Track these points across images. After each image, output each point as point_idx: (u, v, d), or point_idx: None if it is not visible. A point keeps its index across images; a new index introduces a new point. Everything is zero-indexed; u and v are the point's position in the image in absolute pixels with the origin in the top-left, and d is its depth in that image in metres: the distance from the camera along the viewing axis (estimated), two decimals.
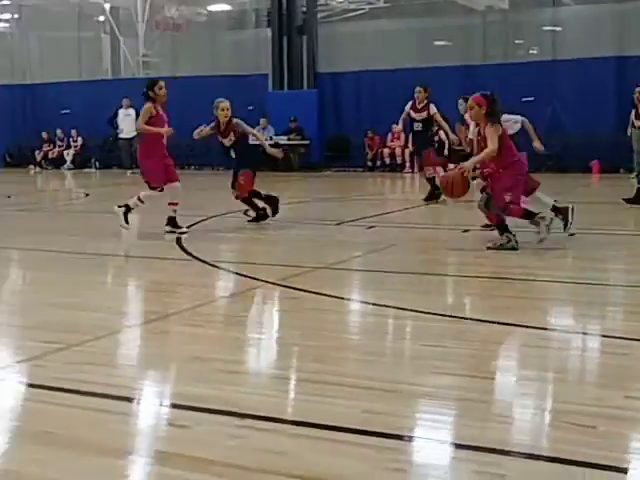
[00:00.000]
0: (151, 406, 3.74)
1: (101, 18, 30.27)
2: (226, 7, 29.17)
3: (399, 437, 3.18)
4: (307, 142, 20.96)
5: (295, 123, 20.84)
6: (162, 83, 9.33)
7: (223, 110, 9.52)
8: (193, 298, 5.90)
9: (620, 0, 24.26)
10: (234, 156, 9.66)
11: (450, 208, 11.39)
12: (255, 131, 9.88)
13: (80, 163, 23.50)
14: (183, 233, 9.00)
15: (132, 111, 19.37)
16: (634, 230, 9.90)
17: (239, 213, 10.43)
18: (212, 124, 9.64)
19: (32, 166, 23.52)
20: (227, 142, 9.62)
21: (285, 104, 21.04)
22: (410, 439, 3.22)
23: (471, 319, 5.21)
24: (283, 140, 20.86)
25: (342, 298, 5.87)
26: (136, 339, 4.98)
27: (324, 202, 13.72)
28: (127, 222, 9.04)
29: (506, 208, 7.65)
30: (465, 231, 9.03)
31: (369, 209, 11.78)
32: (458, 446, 3.11)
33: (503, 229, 7.76)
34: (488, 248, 7.67)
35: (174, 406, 3.61)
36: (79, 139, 23.72)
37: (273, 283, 6.28)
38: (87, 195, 13.37)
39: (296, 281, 6.32)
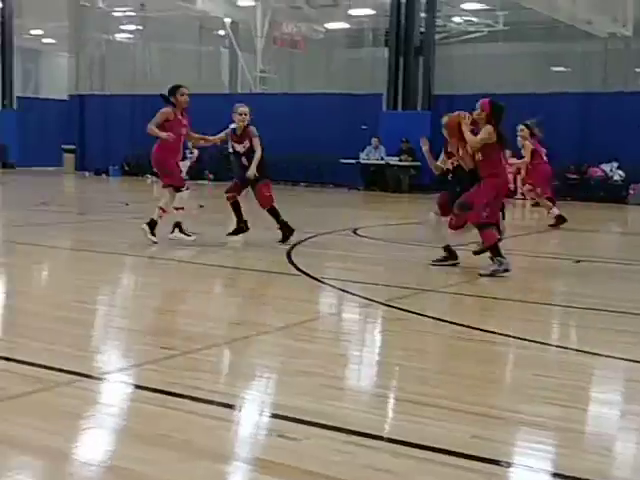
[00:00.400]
0: (259, 416, 3.83)
1: (221, 32, 31.16)
2: (344, 25, 29.53)
3: (500, 463, 3.19)
4: (418, 164, 20.91)
5: (407, 144, 20.83)
6: (184, 90, 9.26)
7: (241, 115, 9.39)
8: (301, 313, 5.99)
9: None
10: (246, 164, 9.45)
11: (560, 237, 11.15)
12: (257, 145, 9.40)
13: (195, 174, 24.14)
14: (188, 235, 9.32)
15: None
16: None
17: (348, 231, 10.50)
18: (228, 130, 9.58)
19: (149, 175, 24.32)
20: (241, 148, 9.47)
21: (398, 124, 21.06)
22: (511, 465, 3.23)
23: (579, 350, 5.13)
24: (394, 161, 20.89)
25: (447, 321, 5.83)
26: (245, 350, 5.08)
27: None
28: (154, 235, 9.19)
29: (481, 226, 7.57)
30: (577, 262, 8.85)
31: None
32: (558, 475, 3.11)
33: (494, 253, 7.61)
34: (480, 275, 7.57)
35: (282, 417, 3.69)
36: (195, 151, 24.38)
37: (379, 302, 6.32)
38: (201, 206, 13.74)
39: (402, 302, 6.32)
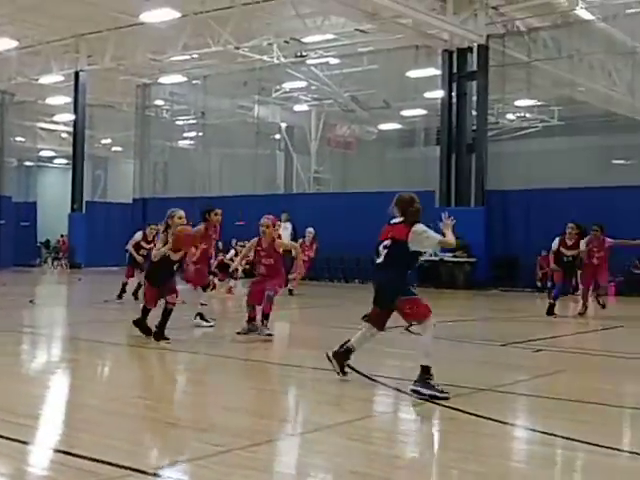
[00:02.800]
0: None
1: (277, 136, 31.85)
2: (396, 126, 29.90)
3: None
4: (473, 260, 20.59)
5: (463, 240, 20.55)
6: (218, 210, 10.50)
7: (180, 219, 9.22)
8: (351, 411, 5.84)
9: None
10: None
11: (627, 334, 10.65)
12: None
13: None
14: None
15: (289, 225, 19.66)
16: None
17: (400, 329, 10.16)
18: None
19: None
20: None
21: None
22: None
23: (636, 454, 4.78)
24: (448, 257, 20.60)
25: (504, 422, 5.52)
26: (294, 448, 4.98)
27: (490, 321, 13.26)
28: (207, 320, 10.57)
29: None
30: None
31: (537, 331, 11.26)
32: None
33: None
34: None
35: None
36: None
37: (433, 402, 6.01)
38: None
39: (457, 402, 6.04)
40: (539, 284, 19.88)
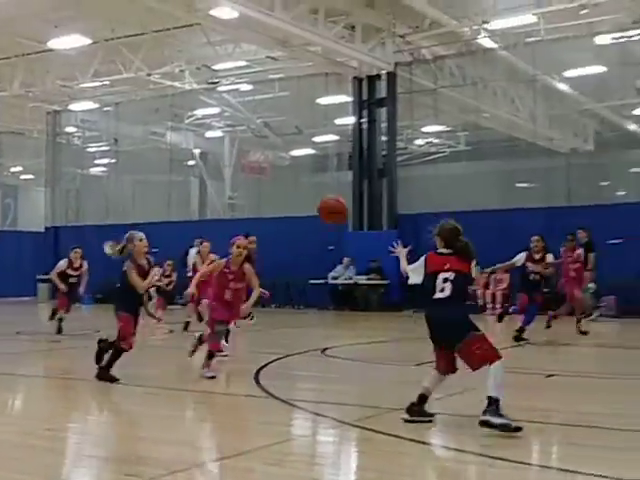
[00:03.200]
0: None
1: (190, 162, 31.75)
2: (309, 152, 30.23)
3: None
4: (387, 282, 20.97)
5: (376, 263, 20.96)
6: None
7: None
8: (269, 436, 5.81)
9: None
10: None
11: (536, 352, 11.02)
12: None
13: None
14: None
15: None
16: None
17: (317, 351, 10.32)
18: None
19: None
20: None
21: (365, 244, 21.29)
22: None
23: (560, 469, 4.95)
24: (362, 280, 20.94)
25: (419, 441, 5.64)
26: (212, 475, 4.95)
27: (403, 342, 13.51)
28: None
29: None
30: (549, 376, 8.70)
31: None
32: None
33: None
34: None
35: None
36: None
37: (349, 424, 6.13)
38: (171, 332, 13.56)
39: (373, 422, 6.15)
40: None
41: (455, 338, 6.11)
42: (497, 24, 20.01)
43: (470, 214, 20.39)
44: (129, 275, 8.42)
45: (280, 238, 22.06)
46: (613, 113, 25.90)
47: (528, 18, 19.84)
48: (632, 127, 23.99)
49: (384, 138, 22.41)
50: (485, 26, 19.94)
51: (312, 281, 21.46)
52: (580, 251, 13.92)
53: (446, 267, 6.16)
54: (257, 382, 8.24)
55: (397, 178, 22.17)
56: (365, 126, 22.49)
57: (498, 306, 19.45)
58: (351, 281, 21.22)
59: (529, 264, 12.43)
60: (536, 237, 12.48)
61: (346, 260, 21.51)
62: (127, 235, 8.74)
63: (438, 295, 6.11)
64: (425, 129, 26.73)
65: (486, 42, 21.00)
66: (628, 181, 21.86)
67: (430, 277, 6.20)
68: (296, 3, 18.44)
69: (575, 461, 5.04)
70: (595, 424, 6.16)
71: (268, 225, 22.79)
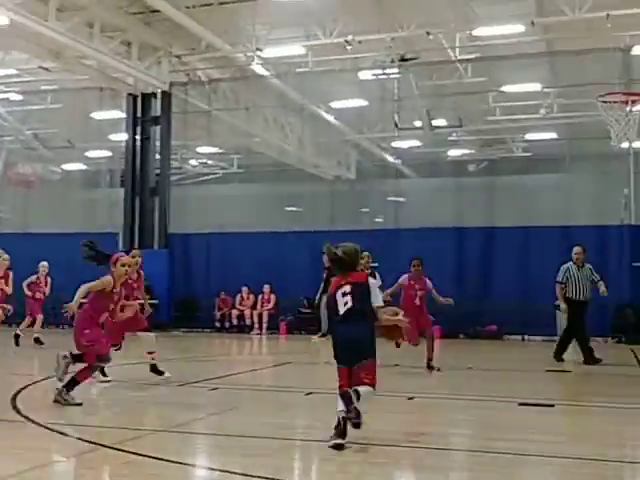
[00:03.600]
0: None
1: None
2: (81, 167, 29.44)
3: None
4: (156, 301, 20.85)
5: (146, 282, 20.73)
6: None
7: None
8: (22, 462, 5.62)
9: (457, 175, 26.44)
10: None
11: (294, 369, 11.46)
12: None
13: None
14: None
15: None
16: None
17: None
18: None
19: None
20: None
21: None
22: None
23: None
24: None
25: (180, 463, 5.68)
26: None
27: (169, 362, 13.52)
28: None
29: None
30: (308, 394, 9.14)
31: (215, 370, 11.74)
32: None
33: None
34: None
35: None
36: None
37: (109, 447, 6.08)
38: None
39: (135, 444, 6.16)
40: (218, 324, 20.71)
41: (361, 356, 6.24)
42: (269, 52, 20.71)
43: (241, 236, 20.92)
44: None
45: (50, 255, 21.26)
46: (373, 145, 27.59)
47: (298, 49, 20.75)
48: (390, 159, 25.63)
49: (158, 156, 22.36)
50: (258, 53, 20.56)
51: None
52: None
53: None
54: (13, 406, 7.98)
55: (170, 197, 22.17)
56: (139, 143, 22.33)
57: (265, 325, 20.01)
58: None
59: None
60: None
61: None
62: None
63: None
64: (199, 150, 26.96)
65: (259, 69, 21.63)
66: (386, 208, 23.32)
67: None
68: (71, 15, 18.00)
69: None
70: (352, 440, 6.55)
71: (35, 241, 21.91)
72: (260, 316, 20.16)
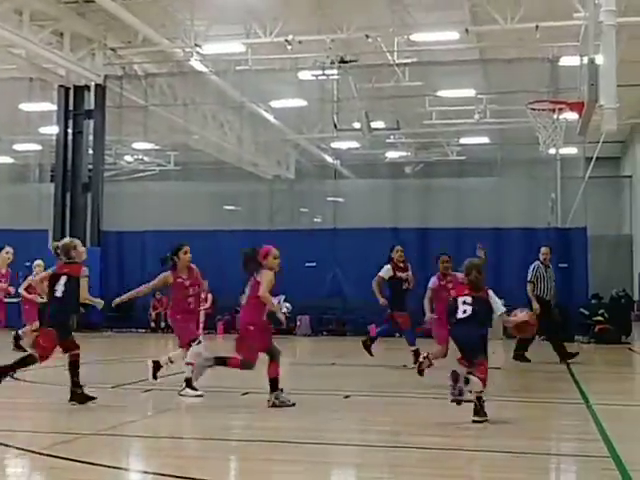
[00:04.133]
0: None
1: None
2: (8, 160, 28.62)
3: None
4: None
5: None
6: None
7: None
8: None
9: (394, 176, 26.61)
10: None
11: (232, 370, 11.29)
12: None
13: None
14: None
15: None
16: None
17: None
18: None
19: None
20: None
21: None
22: None
23: None
24: None
25: (114, 467, 5.53)
26: None
27: (102, 364, 13.22)
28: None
29: None
30: (244, 394, 8.97)
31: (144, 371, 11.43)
32: None
33: None
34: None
35: None
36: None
37: (37, 452, 5.84)
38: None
39: (64, 449, 5.95)
40: (153, 324, 20.32)
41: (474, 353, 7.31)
42: (209, 49, 20.44)
43: (175, 233, 20.52)
44: None
45: None
46: (312, 145, 27.58)
47: (238, 47, 20.54)
48: (329, 159, 25.65)
49: (91, 152, 21.84)
50: (197, 49, 20.26)
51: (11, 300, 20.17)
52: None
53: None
54: None
55: (103, 193, 21.67)
56: (71, 137, 21.77)
57: (201, 325, 19.64)
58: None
59: (398, 273, 11.85)
60: (399, 247, 12.16)
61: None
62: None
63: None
64: (135, 145, 26.49)
65: (198, 65, 21.34)
66: (324, 209, 23.28)
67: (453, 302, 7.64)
68: None
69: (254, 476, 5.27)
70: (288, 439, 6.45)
71: None
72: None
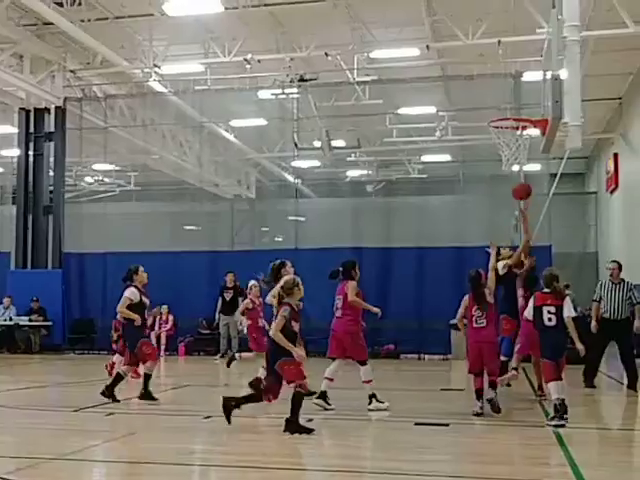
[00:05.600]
0: None
1: None
2: None
3: None
4: (49, 323, 20.24)
5: (37, 303, 20.18)
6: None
7: None
8: None
9: (356, 195, 26.77)
10: None
11: (193, 392, 11.25)
12: None
13: None
14: None
15: None
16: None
17: None
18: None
19: None
20: None
21: (28, 283, 20.38)
22: None
23: None
24: (24, 321, 20.02)
25: None
26: None
27: (63, 387, 13.14)
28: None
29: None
30: (207, 417, 9.01)
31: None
32: None
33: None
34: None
35: None
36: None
37: (2, 478, 5.83)
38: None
39: (28, 474, 5.97)
40: (114, 346, 20.08)
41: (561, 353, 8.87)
42: (167, 69, 20.49)
43: (138, 255, 20.44)
44: None
45: None
46: (273, 164, 27.68)
47: (196, 67, 20.63)
48: (290, 178, 25.75)
49: (52, 173, 21.75)
50: (156, 70, 20.29)
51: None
52: None
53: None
54: None
55: (64, 215, 21.56)
56: (32, 159, 21.67)
57: (163, 347, 19.60)
58: (11, 322, 20.16)
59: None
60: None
61: (6, 300, 20.42)
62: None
63: (549, 323, 8.72)
64: (95, 167, 26.40)
65: (157, 85, 21.37)
66: (286, 228, 23.31)
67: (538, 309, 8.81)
68: None
69: None
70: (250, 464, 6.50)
71: None
72: (158, 337, 19.70)
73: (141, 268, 10.61)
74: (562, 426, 8.15)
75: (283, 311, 8.01)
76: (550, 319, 8.64)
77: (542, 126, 12.10)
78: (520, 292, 10.73)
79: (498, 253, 10.23)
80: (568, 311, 8.65)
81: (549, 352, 8.67)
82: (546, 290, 8.83)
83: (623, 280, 12.39)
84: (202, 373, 15.78)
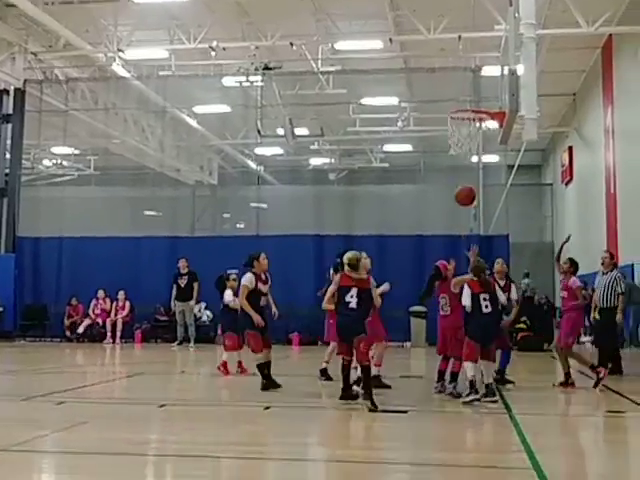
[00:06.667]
0: None
1: None
2: None
3: None
4: (0, 309, 19.89)
5: None
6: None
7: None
8: None
9: (318, 183, 26.77)
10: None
11: (148, 380, 11.15)
12: None
13: None
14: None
15: None
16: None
17: None
18: None
19: None
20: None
21: None
22: None
23: None
24: None
25: None
26: None
27: (13, 375, 12.90)
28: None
29: None
30: (161, 406, 8.91)
31: (62, 382, 11.23)
32: None
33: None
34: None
35: None
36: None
37: None
38: None
39: None
40: (68, 333, 19.84)
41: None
42: (131, 54, 20.22)
43: (96, 240, 20.21)
44: None
45: None
46: (236, 151, 27.53)
47: (161, 52, 20.39)
48: (252, 165, 25.63)
49: (8, 156, 21.35)
50: (120, 54, 20.03)
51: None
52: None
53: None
54: None
55: (20, 199, 21.18)
56: None
57: (118, 334, 19.36)
58: None
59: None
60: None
61: None
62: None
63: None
64: (54, 150, 25.99)
65: (120, 70, 21.09)
66: (247, 215, 23.22)
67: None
68: None
69: None
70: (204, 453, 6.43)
71: None
72: (114, 324, 19.46)
73: (262, 255, 10.48)
74: (478, 400, 8.79)
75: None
76: (487, 306, 9.33)
77: (499, 118, 12.37)
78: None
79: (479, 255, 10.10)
80: (502, 298, 9.65)
81: (479, 335, 9.24)
82: (474, 279, 9.48)
83: (613, 270, 12.50)
84: (158, 360, 15.63)
